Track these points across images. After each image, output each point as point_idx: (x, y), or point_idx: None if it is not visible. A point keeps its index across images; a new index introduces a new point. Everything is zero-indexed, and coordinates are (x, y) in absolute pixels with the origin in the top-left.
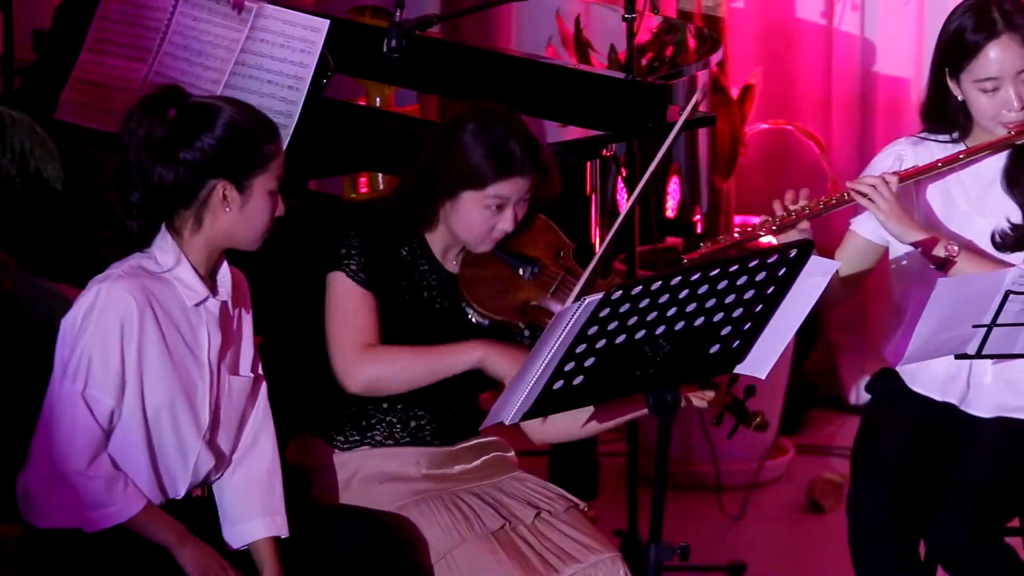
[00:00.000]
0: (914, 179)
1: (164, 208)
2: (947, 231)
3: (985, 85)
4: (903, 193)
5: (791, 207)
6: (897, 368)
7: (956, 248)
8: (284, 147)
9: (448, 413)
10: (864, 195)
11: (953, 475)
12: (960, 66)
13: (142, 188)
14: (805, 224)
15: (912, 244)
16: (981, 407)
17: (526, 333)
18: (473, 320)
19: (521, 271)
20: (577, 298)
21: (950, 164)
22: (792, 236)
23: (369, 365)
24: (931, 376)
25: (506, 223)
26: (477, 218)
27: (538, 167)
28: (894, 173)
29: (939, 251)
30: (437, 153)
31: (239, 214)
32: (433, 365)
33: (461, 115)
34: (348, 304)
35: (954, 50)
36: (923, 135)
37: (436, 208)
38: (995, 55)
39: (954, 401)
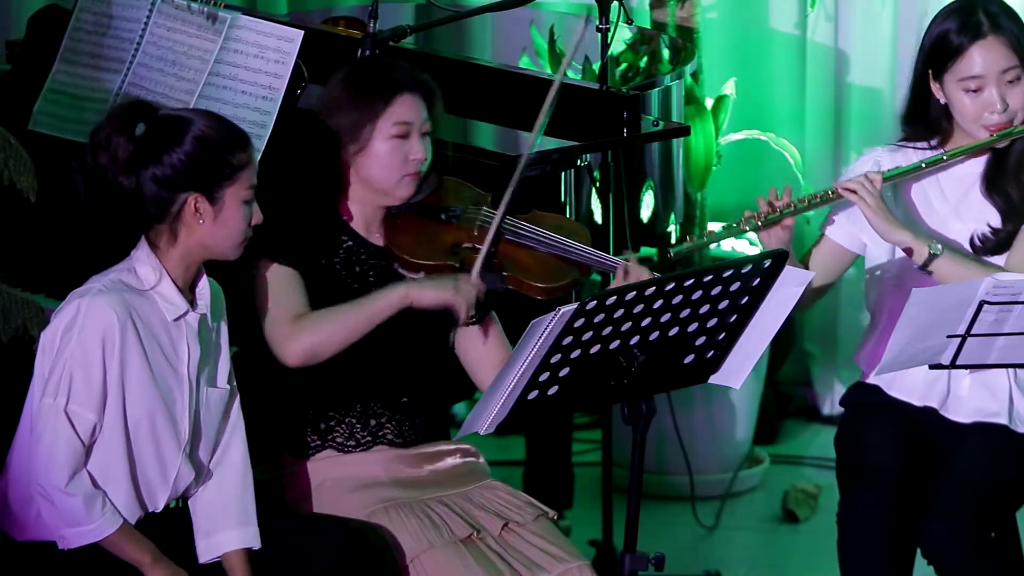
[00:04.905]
0: (897, 180)
1: (127, 223)
2: (929, 230)
3: (968, 84)
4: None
5: (776, 203)
6: (872, 377)
7: (940, 246)
8: (258, 157)
9: (407, 412)
10: (853, 191)
11: (940, 481)
12: (944, 67)
13: (103, 204)
14: (789, 221)
15: (895, 242)
16: (960, 413)
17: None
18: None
19: (443, 216)
20: (496, 227)
21: (933, 165)
22: (776, 233)
23: (303, 334)
24: (911, 381)
25: (416, 151)
26: (386, 151)
27: (423, 85)
28: (878, 172)
29: (922, 249)
30: (325, 115)
31: (213, 225)
32: (362, 314)
33: (331, 79)
34: (274, 283)
35: (939, 51)
36: (900, 143)
37: (343, 165)
38: (980, 55)
39: (935, 405)
